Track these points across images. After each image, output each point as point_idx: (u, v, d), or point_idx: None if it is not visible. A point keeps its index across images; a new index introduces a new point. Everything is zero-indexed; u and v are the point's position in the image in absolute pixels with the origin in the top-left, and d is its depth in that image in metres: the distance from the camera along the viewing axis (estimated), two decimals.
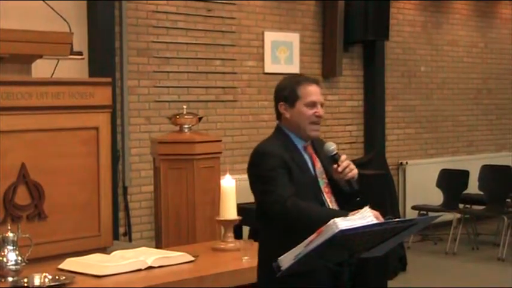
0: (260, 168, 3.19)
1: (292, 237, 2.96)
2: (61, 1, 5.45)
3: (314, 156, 3.32)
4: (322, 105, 3.31)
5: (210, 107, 7.66)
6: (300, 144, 3.31)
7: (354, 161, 8.72)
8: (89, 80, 5.91)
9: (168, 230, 5.19)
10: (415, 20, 9.88)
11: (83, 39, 6.58)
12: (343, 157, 3.25)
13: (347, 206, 3.24)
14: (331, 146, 3.26)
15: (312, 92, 3.28)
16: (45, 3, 4.91)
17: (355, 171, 3.22)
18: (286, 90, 3.30)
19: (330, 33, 8.68)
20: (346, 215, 2.93)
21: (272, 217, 3.14)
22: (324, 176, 3.29)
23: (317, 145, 3.37)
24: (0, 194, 4.18)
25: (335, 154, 3.26)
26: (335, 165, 3.23)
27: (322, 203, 3.22)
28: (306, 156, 3.30)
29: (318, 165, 3.30)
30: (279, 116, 3.35)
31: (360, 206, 3.05)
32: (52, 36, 4.55)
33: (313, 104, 3.27)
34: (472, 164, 9.37)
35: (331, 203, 3.24)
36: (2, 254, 3.69)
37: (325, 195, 3.24)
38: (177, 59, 7.44)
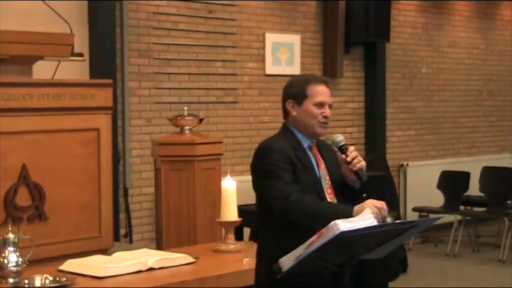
0: (263, 163, 3.17)
1: (291, 237, 2.95)
2: (62, 2, 5.45)
3: (318, 156, 3.31)
4: (330, 106, 3.30)
5: (210, 108, 7.65)
6: (305, 144, 3.29)
7: None
8: (89, 81, 5.91)
9: (168, 231, 5.19)
10: (416, 22, 9.87)
11: (83, 40, 6.57)
12: (351, 148, 3.27)
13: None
14: (339, 137, 3.27)
15: (321, 92, 3.28)
16: (46, 4, 4.92)
17: (363, 162, 3.24)
18: (295, 88, 3.29)
19: (330, 34, 8.67)
20: (351, 211, 2.95)
21: (273, 213, 3.12)
22: (328, 178, 3.28)
23: (322, 147, 3.37)
24: (1, 195, 4.18)
25: (343, 145, 3.28)
26: (343, 156, 3.25)
27: None
28: (311, 156, 3.29)
29: (322, 166, 3.29)
30: (285, 114, 3.33)
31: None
32: (53, 38, 4.56)
33: (321, 104, 3.26)
34: (473, 166, 9.35)
35: None
36: (3, 255, 3.69)
37: (328, 196, 3.23)
38: (178, 61, 7.44)
